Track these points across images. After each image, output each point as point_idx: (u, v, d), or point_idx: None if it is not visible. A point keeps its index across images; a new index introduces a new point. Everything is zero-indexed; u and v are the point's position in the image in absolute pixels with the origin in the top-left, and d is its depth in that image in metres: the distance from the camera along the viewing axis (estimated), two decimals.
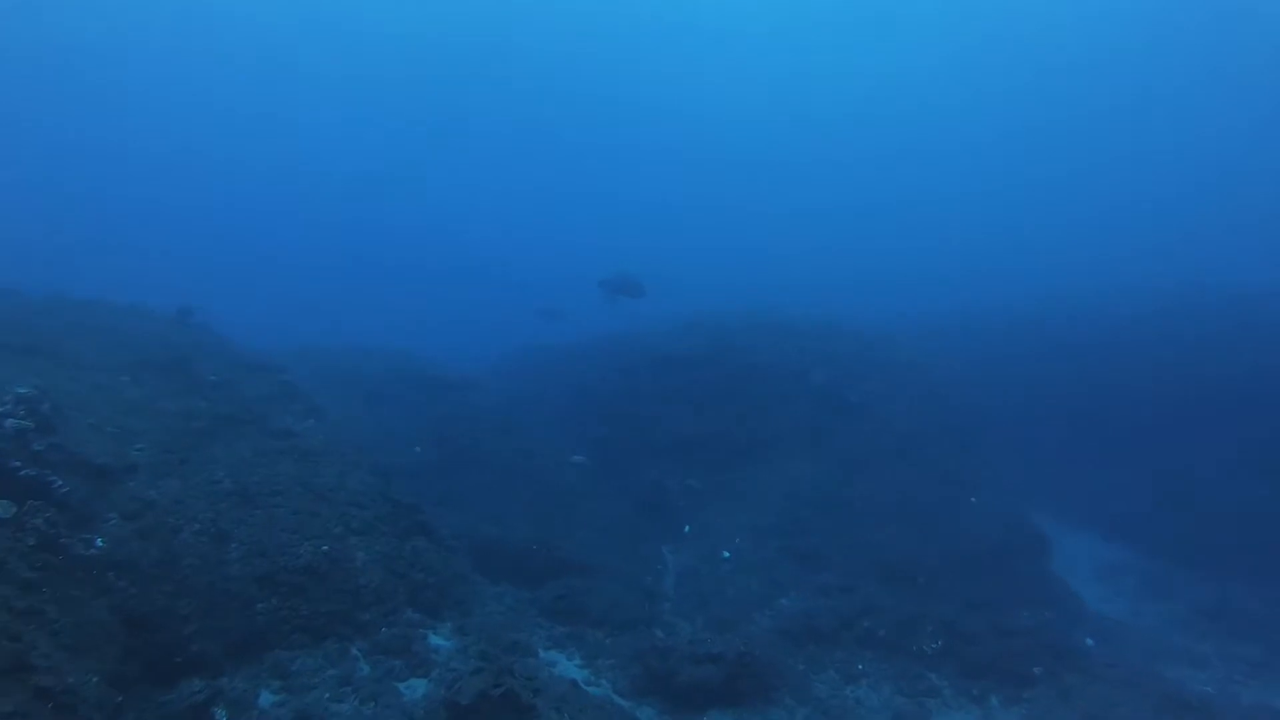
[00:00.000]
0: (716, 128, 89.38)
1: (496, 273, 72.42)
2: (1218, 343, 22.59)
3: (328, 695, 9.19)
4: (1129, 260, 46.14)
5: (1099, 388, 23.75)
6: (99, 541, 8.60)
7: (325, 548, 10.93)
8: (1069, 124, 76.55)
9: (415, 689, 9.83)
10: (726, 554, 16.52)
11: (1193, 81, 67.87)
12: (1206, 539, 19.00)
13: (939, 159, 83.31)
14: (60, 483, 8.67)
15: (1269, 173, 64.36)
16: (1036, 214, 74.97)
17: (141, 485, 10.08)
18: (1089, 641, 14.37)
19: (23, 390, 9.23)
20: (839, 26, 77.52)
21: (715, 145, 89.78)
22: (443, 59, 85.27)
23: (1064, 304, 29.94)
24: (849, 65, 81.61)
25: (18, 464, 8.45)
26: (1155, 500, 20.64)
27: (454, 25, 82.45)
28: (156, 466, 10.70)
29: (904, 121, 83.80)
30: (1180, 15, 60.81)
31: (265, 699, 8.91)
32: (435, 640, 11.12)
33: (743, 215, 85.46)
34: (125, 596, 8.34)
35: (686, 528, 18.05)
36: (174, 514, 9.89)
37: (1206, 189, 68.70)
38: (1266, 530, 18.08)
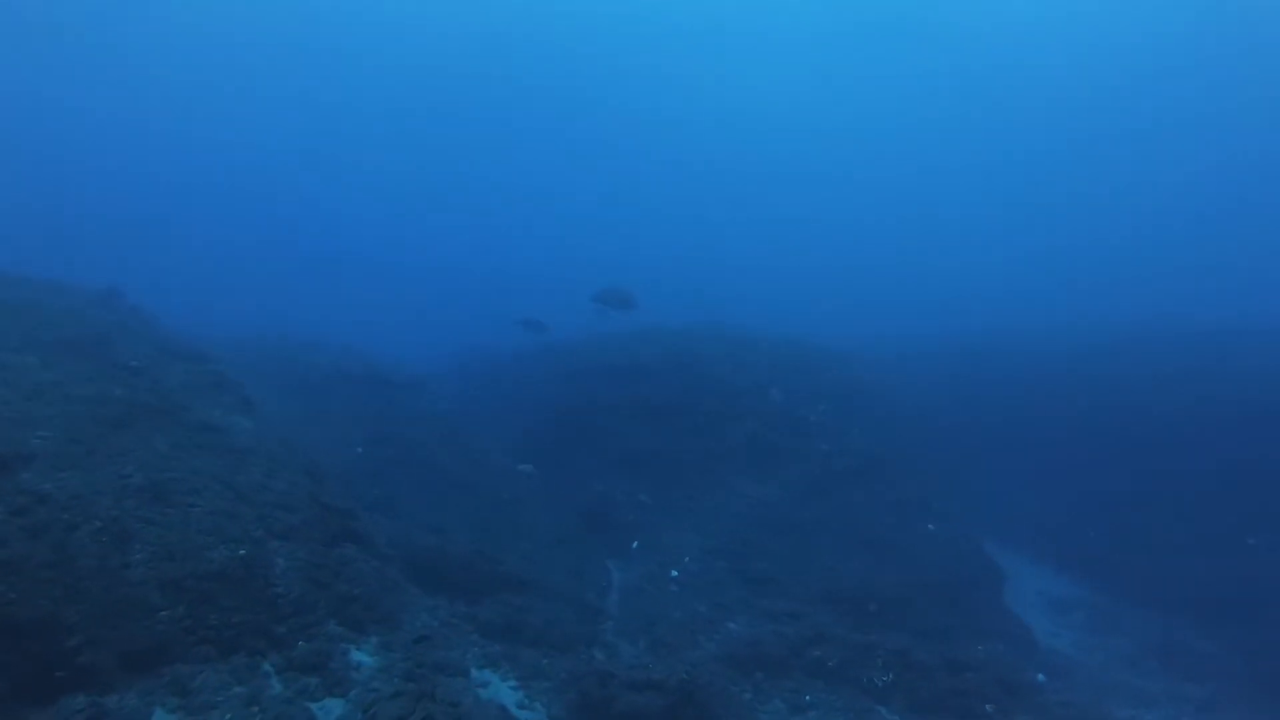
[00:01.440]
0: (704, 135, 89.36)
1: (460, 272, 71.52)
2: (1176, 379, 22.67)
3: (230, 716, 8.34)
4: (1089, 293, 46.86)
5: (1054, 420, 23.69)
6: None
7: (242, 552, 10.03)
8: (1044, 158, 78.05)
9: (330, 710, 9.01)
10: (674, 573, 15.93)
11: (1167, 121, 69.70)
12: (1156, 576, 18.90)
13: (922, 181, 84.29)
14: None
15: (1229, 212, 66.35)
16: (1017, 240, 76.12)
17: (37, 477, 9.15)
18: (1040, 677, 14.02)
19: None
20: (835, 39, 77.93)
21: (704, 153, 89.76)
22: (438, 55, 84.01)
23: (1026, 335, 30.01)
24: (846, 80, 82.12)
25: None
26: (1107, 535, 20.53)
27: (449, 20, 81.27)
28: (57, 457, 9.75)
29: (894, 140, 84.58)
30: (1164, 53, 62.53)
31: (159, 718, 8.04)
32: (358, 656, 10.30)
33: (720, 225, 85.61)
34: (2, 603, 7.45)
35: (635, 544, 17.43)
36: (71, 510, 8.95)
37: (1171, 225, 70.51)
38: (1215, 569, 18.02)
